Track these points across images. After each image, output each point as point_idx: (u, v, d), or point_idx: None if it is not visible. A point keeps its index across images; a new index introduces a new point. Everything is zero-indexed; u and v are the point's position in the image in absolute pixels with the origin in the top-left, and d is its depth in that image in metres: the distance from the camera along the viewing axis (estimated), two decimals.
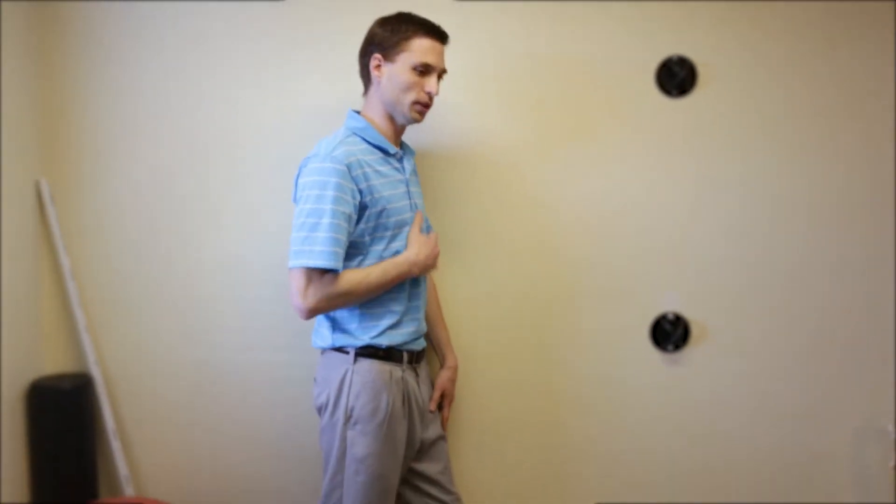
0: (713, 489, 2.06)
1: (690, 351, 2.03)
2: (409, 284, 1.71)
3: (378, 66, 1.70)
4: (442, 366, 1.93)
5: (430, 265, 1.72)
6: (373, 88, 1.73)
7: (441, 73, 1.72)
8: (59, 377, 1.96)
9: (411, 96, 1.67)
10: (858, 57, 1.98)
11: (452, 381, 1.91)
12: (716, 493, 2.06)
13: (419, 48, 1.66)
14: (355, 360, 1.67)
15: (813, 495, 2.05)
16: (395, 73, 1.68)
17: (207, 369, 2.04)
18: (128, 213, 2.04)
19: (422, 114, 1.71)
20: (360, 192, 1.63)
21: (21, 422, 1.92)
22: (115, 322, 2.04)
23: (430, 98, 1.69)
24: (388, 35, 1.68)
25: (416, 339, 1.74)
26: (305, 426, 2.02)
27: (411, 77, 1.66)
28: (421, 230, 1.74)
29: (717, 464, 2.05)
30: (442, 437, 1.85)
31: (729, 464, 2.05)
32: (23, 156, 1.95)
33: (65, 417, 1.91)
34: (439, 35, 1.70)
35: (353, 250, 1.65)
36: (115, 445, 1.99)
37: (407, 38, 1.67)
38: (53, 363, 2.03)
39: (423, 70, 1.67)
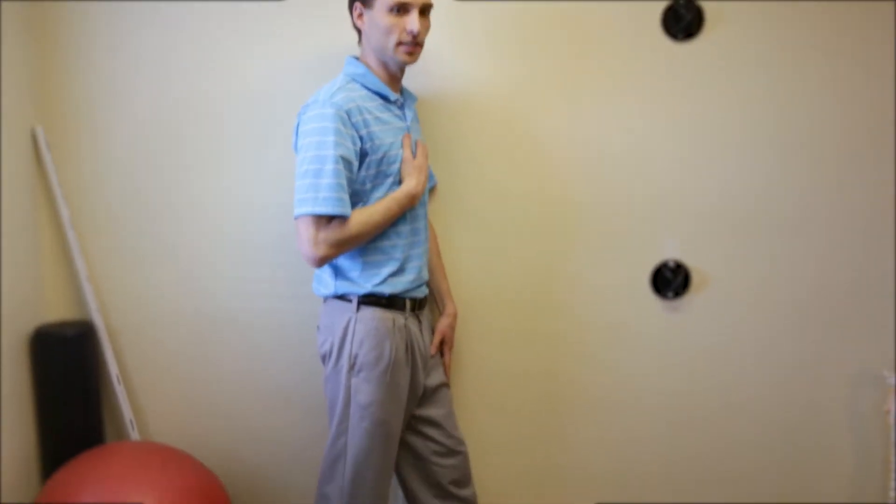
0: (711, 435, 2.09)
1: (691, 298, 2.04)
2: (409, 232, 1.71)
3: (360, 16, 1.68)
4: (441, 314, 1.94)
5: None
6: (363, 38, 1.71)
7: (424, 7, 1.66)
8: (62, 325, 1.97)
9: (393, 38, 1.64)
10: (862, 13, 1.94)
11: (452, 327, 1.93)
12: (713, 439, 2.09)
13: None
14: (358, 309, 1.68)
15: (809, 440, 2.09)
16: (374, 18, 1.65)
17: (209, 317, 2.05)
18: (126, 162, 2.01)
19: (410, 54, 1.66)
20: (361, 138, 1.62)
21: (26, 368, 1.94)
22: (116, 271, 2.04)
23: (414, 37, 1.64)
24: None
25: (418, 286, 1.75)
26: (309, 373, 2.04)
27: (389, 19, 1.62)
28: (413, 154, 1.71)
29: (716, 410, 2.08)
30: (445, 384, 1.87)
31: (727, 410, 2.08)
32: (18, 103, 1.91)
33: (69, 364, 1.92)
34: None
35: (354, 197, 1.64)
36: (120, 391, 2.01)
37: None
38: (56, 311, 2.03)
39: (400, 9, 1.62)
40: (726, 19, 1.95)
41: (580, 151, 2.00)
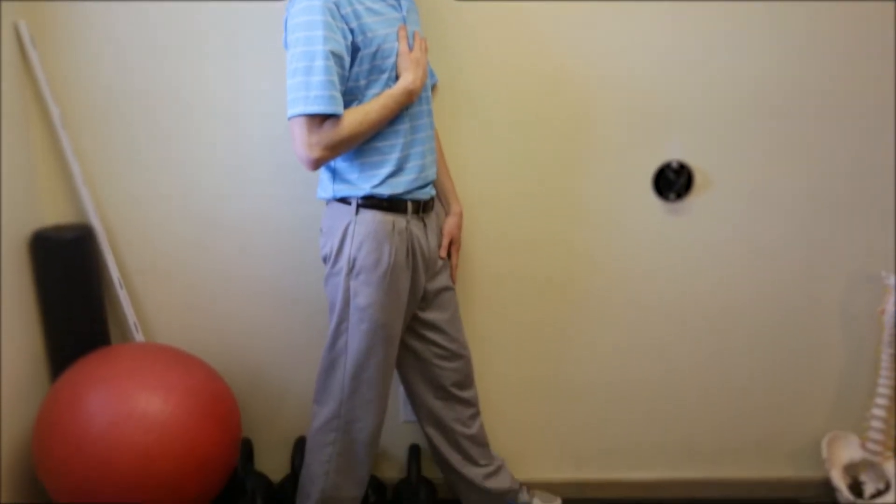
0: (708, 337, 2.13)
1: (693, 200, 2.02)
2: (408, 131, 1.67)
3: None
4: (447, 214, 1.92)
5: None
6: None
7: None
8: (61, 228, 1.96)
9: None
10: None
11: (459, 227, 1.91)
12: (710, 341, 2.13)
13: None
14: (357, 211, 1.66)
15: (803, 338, 2.12)
16: None
17: (208, 220, 2.04)
18: (117, 57, 1.94)
19: None
20: (352, 31, 1.55)
21: (27, 272, 1.94)
22: (113, 173, 2.01)
23: None
24: None
25: (420, 187, 1.71)
26: (309, 276, 2.05)
27: None
28: (409, 47, 1.64)
29: (713, 312, 2.11)
30: (450, 288, 1.88)
31: (723, 312, 2.10)
32: None
33: (69, 267, 1.93)
34: None
35: (348, 96, 1.59)
36: (122, 294, 2.02)
37: None
38: (54, 214, 2.02)
39: None
40: None
41: (584, 49, 1.93)
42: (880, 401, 2.04)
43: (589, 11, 1.91)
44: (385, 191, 1.65)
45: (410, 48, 1.64)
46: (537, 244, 2.06)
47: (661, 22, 1.91)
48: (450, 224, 1.89)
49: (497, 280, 2.08)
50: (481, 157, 2.00)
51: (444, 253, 1.85)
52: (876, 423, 2.05)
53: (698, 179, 2.00)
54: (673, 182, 1.98)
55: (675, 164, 1.98)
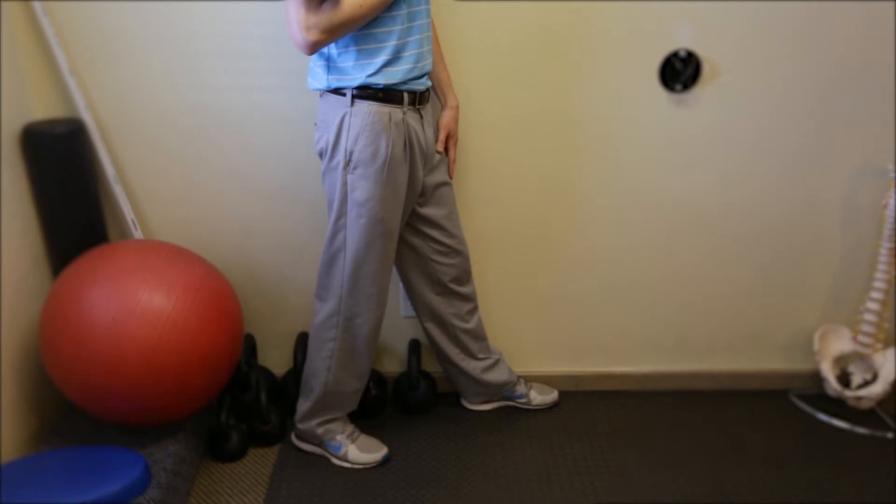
0: (709, 230, 2.12)
1: (699, 91, 1.96)
2: (405, 18, 1.60)
3: None
4: (444, 107, 1.87)
5: None
6: None
7: None
8: (52, 122, 1.90)
9: None
10: None
11: (455, 120, 1.86)
12: (711, 234, 2.13)
13: None
14: (353, 103, 1.61)
15: (803, 233, 2.12)
16: None
17: (200, 113, 1.98)
18: None
19: None
20: None
21: (20, 168, 1.91)
22: (101, 65, 1.94)
23: None
24: None
25: (416, 77, 1.66)
26: (306, 169, 2.02)
27: None
28: None
29: (715, 206, 2.09)
30: (447, 183, 1.85)
31: (726, 206, 2.09)
32: None
33: (63, 162, 1.89)
34: None
35: None
36: (118, 190, 2.00)
37: None
38: (43, 109, 1.96)
39: None
40: None
41: None
42: (875, 294, 2.06)
43: None
44: (381, 80, 1.60)
45: None
46: (537, 139, 2.02)
47: None
48: (447, 118, 1.85)
49: (496, 176, 2.06)
50: (478, 46, 1.93)
51: (441, 147, 1.82)
52: (869, 317, 2.09)
53: (706, 70, 1.94)
54: (680, 72, 1.92)
55: (682, 53, 1.91)
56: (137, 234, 2.03)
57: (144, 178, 2.05)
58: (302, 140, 1.99)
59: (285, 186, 2.06)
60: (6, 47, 1.85)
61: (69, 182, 1.91)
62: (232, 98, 1.97)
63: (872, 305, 2.07)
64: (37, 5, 1.85)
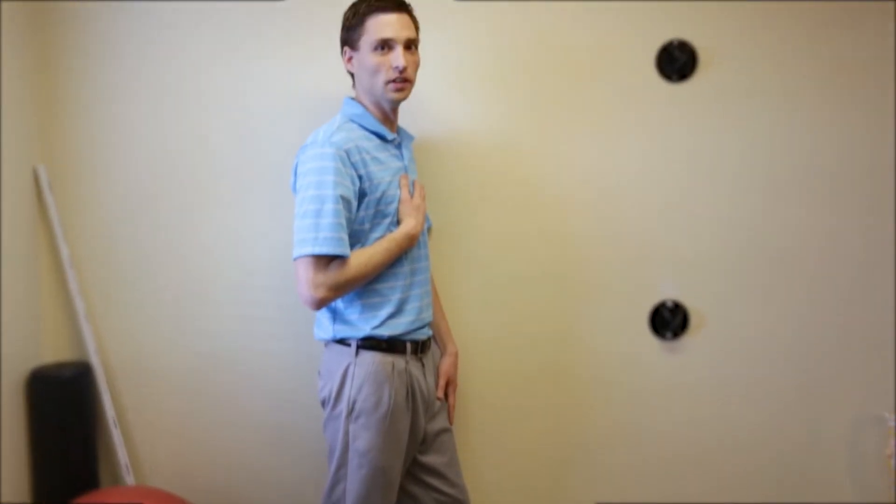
0: (710, 475, 2.07)
1: (689, 339, 2.03)
2: (407, 273, 1.70)
3: (349, 59, 1.70)
4: (443, 354, 1.92)
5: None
6: (355, 81, 1.73)
7: (409, 42, 1.66)
8: (60, 366, 1.95)
9: (381, 77, 1.65)
10: (858, 41, 1.98)
11: (455, 366, 1.90)
12: (713, 480, 2.07)
13: (374, 26, 1.64)
14: (357, 353, 1.66)
15: (809, 482, 2.07)
16: (361, 59, 1.66)
17: (207, 359, 2.04)
18: (127, 202, 2.02)
19: (400, 90, 1.66)
20: (360, 177, 1.62)
21: (22, 410, 1.92)
22: (115, 311, 2.03)
23: (401, 72, 1.64)
24: (348, 25, 1.68)
25: (419, 328, 1.72)
26: (308, 417, 2.02)
27: (375, 58, 1.64)
28: (410, 194, 1.71)
29: (715, 450, 2.07)
30: (447, 430, 1.84)
31: (726, 451, 2.07)
32: (21, 142, 1.93)
33: (65, 406, 1.90)
34: (393, 6, 1.65)
35: (352, 238, 1.63)
36: (115, 434, 1.99)
37: (362, 22, 1.65)
38: (53, 352, 2.02)
39: (384, 46, 1.63)
40: (718, 60, 1.98)
41: (577, 192, 2.02)
42: None
43: (582, 156, 2.01)
44: (385, 332, 1.66)
45: (411, 195, 1.71)
46: (535, 383, 2.05)
47: (657, 163, 2.01)
48: (446, 364, 1.89)
49: (495, 419, 2.06)
50: (476, 298, 2.03)
51: (441, 393, 1.84)
52: None
53: (694, 319, 2.02)
54: (669, 321, 2.01)
55: (669, 303, 2.01)
56: (130, 479, 1.98)
57: (145, 419, 2.05)
58: (305, 387, 2.00)
59: (287, 434, 2.04)
60: (28, 293, 1.95)
61: (68, 427, 1.91)
62: (239, 346, 2.03)
63: None
64: (65, 257, 1.98)
